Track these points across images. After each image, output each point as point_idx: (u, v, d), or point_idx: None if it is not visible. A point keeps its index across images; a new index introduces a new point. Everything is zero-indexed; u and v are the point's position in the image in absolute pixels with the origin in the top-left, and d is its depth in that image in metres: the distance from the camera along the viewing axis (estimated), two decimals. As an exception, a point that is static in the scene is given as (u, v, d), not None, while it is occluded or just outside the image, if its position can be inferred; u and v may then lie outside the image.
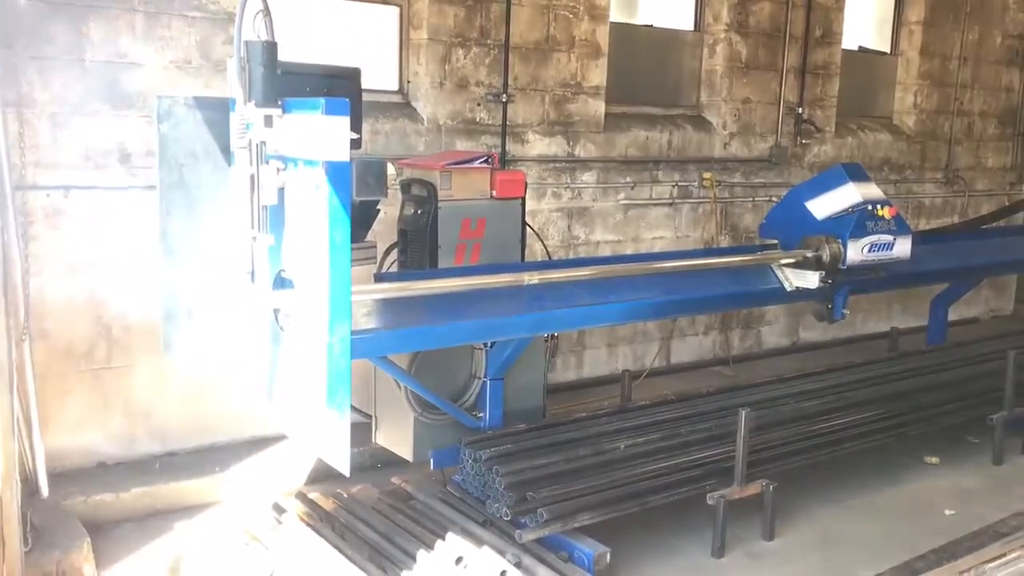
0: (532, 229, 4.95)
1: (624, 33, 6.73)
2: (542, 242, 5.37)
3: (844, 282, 5.13)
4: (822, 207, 5.12)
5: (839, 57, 7.85)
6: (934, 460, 5.52)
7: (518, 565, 3.75)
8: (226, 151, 3.46)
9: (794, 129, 7.58)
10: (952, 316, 7.21)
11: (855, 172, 5.31)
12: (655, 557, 4.23)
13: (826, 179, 5.33)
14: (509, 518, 3.91)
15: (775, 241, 5.30)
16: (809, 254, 5.00)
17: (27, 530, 3.53)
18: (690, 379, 6.66)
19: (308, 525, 4.20)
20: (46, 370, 4.41)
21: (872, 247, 5.05)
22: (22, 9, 4.25)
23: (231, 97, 3.34)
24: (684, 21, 7.18)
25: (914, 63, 8.58)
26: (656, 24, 7.03)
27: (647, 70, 7.03)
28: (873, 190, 5.23)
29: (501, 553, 3.78)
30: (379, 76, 5.59)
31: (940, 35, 8.62)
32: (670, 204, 6.91)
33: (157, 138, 3.48)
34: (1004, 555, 4.08)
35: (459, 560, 3.74)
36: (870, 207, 5.09)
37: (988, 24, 8.95)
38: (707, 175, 6.99)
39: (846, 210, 5.05)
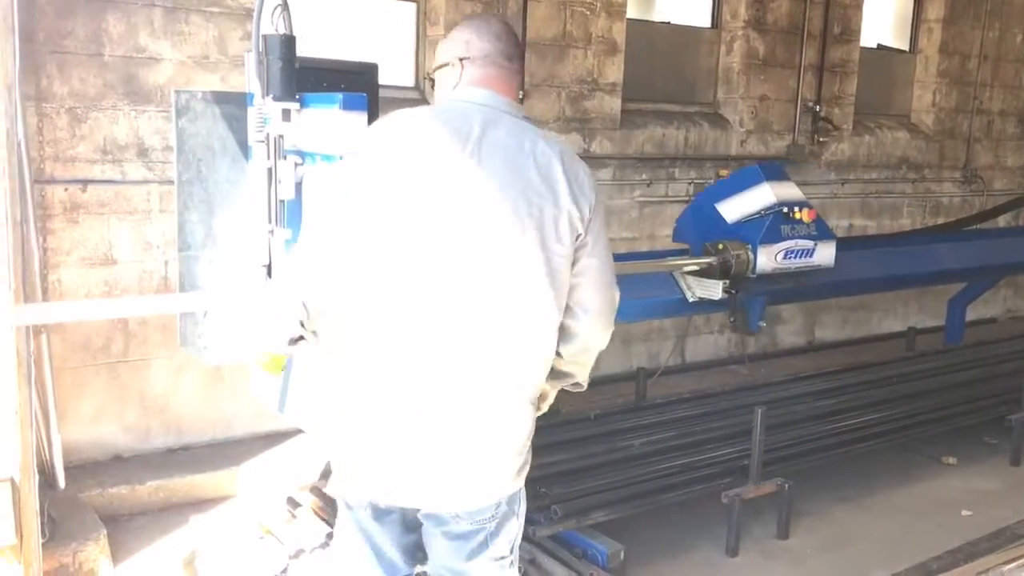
0: (548, 226, 4.94)
1: (641, 30, 6.70)
2: (558, 239, 5.35)
3: (759, 292, 4.56)
4: (733, 209, 4.57)
5: (857, 55, 7.79)
6: (951, 460, 5.48)
7: (532, 562, 3.75)
8: (244, 146, 3.45)
9: (811, 127, 7.53)
10: (970, 316, 7.16)
11: (772, 171, 4.76)
12: (669, 555, 4.22)
13: (740, 178, 4.77)
14: (523, 514, 3.90)
15: (686, 246, 4.76)
16: (713, 261, 4.41)
17: (44, 522, 3.55)
18: (705, 377, 6.63)
19: (322, 519, 4.21)
20: (63, 363, 4.44)
21: (788, 254, 4.50)
22: (42, 3, 4.28)
23: (249, 92, 3.34)
24: (701, 18, 7.15)
25: (933, 61, 8.51)
26: (673, 21, 7.01)
27: (664, 67, 7.01)
28: (791, 191, 4.69)
29: (515, 549, 3.78)
30: (396, 72, 5.59)
31: (959, 33, 8.55)
32: (686, 201, 6.87)
33: (175, 133, 3.48)
34: (1022, 556, 4.05)
35: (473, 556, 3.74)
36: (786, 209, 4.51)
37: (1009, 22, 8.87)
38: (724, 172, 6.92)
39: (758, 213, 4.51)
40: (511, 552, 2.41)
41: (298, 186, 3.22)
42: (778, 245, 4.46)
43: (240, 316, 2.23)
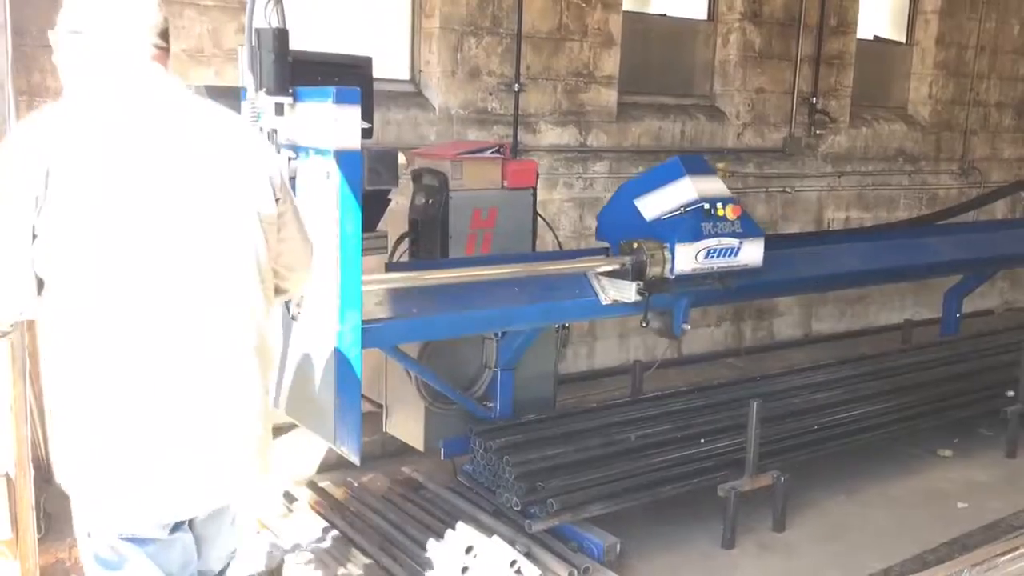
0: (543, 219, 4.94)
1: (637, 22, 6.69)
2: (553, 232, 5.35)
3: (677, 293, 4.32)
4: (652, 206, 4.28)
5: (854, 47, 7.78)
6: (947, 453, 5.49)
7: (528, 555, 3.76)
8: (237, 140, 3.45)
9: (808, 119, 7.52)
10: (967, 308, 7.16)
11: (694, 165, 4.43)
12: (665, 548, 4.23)
13: (660, 172, 4.44)
14: (519, 508, 3.91)
15: (607, 245, 4.48)
16: (626, 261, 4.17)
17: (40, 517, 3.55)
18: (701, 370, 6.64)
19: (319, 514, 4.22)
20: (59, 358, 4.43)
21: (709, 253, 4.22)
22: (35, -3, 4.26)
23: (242, 86, 3.34)
24: (698, 10, 7.14)
25: (930, 53, 8.50)
26: (669, 13, 7.00)
27: (660, 59, 7.00)
28: (715, 186, 4.37)
29: (511, 543, 3.79)
30: (390, 65, 5.58)
31: (956, 24, 8.54)
32: (682, 194, 6.87)
33: (169, 127, 3.47)
34: (1017, 548, 4.05)
35: (469, 549, 3.75)
36: (708, 206, 4.20)
37: (1006, 13, 8.85)
38: (721, 164, 6.91)
39: (678, 209, 4.21)
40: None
41: (292, 180, 3.22)
42: (698, 244, 4.19)
43: None
